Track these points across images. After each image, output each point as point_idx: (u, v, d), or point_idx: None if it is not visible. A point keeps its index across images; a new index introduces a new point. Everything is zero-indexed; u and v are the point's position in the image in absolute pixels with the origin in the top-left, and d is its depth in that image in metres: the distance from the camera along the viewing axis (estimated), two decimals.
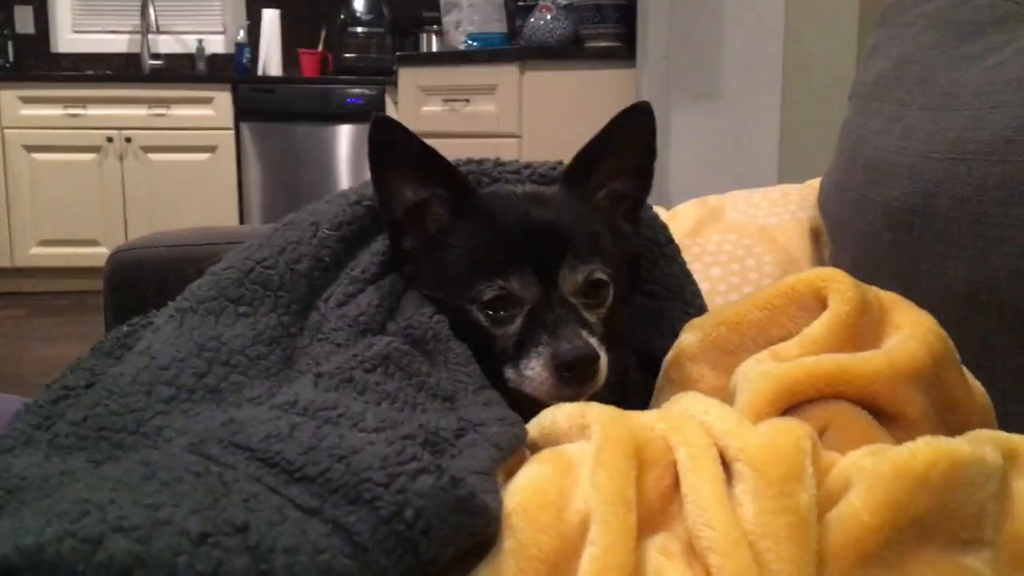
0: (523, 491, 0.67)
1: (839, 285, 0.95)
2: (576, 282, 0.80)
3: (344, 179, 5.88)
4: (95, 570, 0.51)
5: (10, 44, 6.29)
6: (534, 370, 0.77)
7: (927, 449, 0.67)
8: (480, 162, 1.00)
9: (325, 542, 0.60)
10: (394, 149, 0.90)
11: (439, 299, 0.88)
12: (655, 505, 0.67)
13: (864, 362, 0.88)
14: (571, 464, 0.69)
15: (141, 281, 1.52)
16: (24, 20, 6.50)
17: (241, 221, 5.93)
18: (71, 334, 4.37)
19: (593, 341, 0.76)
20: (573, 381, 0.74)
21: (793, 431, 0.68)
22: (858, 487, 0.65)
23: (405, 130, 0.89)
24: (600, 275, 0.81)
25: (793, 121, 3.50)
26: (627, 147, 0.91)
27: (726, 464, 0.68)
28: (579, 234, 0.83)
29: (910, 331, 0.93)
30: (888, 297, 0.99)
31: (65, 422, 0.91)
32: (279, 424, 0.70)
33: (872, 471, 0.65)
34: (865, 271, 1.20)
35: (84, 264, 5.43)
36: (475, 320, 0.83)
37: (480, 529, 0.64)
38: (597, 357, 0.74)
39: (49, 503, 0.56)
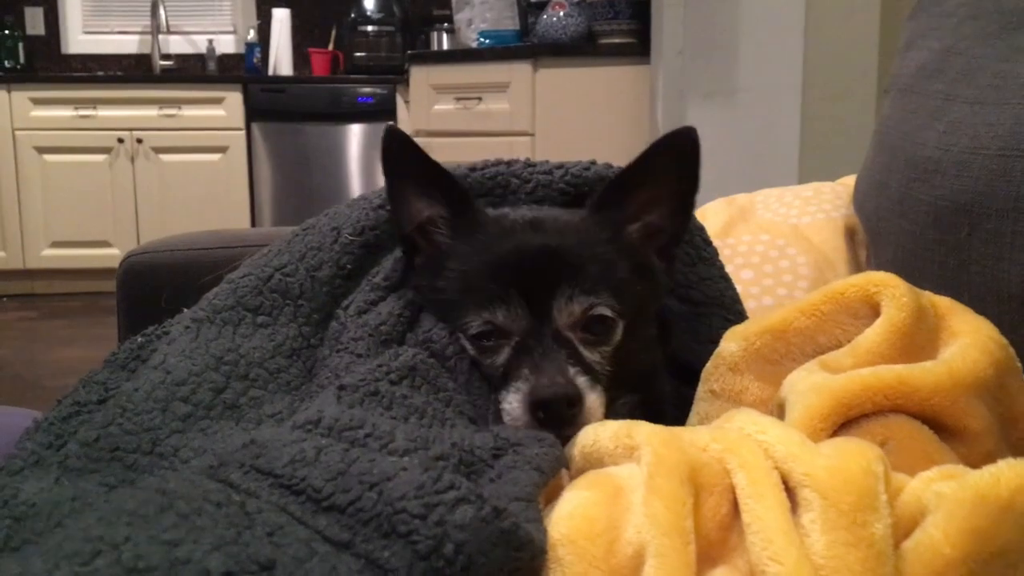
0: (569, 520, 0.62)
1: (893, 290, 0.89)
2: (572, 314, 0.73)
3: (355, 179, 5.84)
4: None
5: (20, 45, 6.26)
6: (511, 405, 0.71)
7: (1011, 473, 0.61)
8: (509, 163, 0.95)
9: None
10: (404, 161, 0.85)
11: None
12: (713, 535, 0.61)
13: (925, 373, 0.82)
14: (620, 490, 0.64)
15: (154, 286, 1.48)
16: (34, 21, 6.49)
17: (253, 222, 5.91)
18: (83, 336, 4.34)
19: (582, 380, 0.69)
20: (548, 423, 0.67)
21: (864, 453, 0.62)
22: (936, 515, 0.59)
23: (413, 144, 0.84)
24: (604, 310, 0.73)
25: (814, 117, 3.44)
26: (667, 175, 0.83)
27: (789, 490, 0.62)
28: (582, 262, 0.75)
29: (969, 339, 0.87)
30: (943, 303, 0.93)
31: (77, 442, 0.86)
32: (304, 447, 0.65)
33: (952, 498, 0.60)
34: (907, 273, 1.14)
35: (96, 266, 5.43)
36: (466, 348, 0.79)
37: (525, 564, 0.59)
38: (579, 398, 0.67)
39: (58, 541, 0.51)
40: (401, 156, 0.85)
